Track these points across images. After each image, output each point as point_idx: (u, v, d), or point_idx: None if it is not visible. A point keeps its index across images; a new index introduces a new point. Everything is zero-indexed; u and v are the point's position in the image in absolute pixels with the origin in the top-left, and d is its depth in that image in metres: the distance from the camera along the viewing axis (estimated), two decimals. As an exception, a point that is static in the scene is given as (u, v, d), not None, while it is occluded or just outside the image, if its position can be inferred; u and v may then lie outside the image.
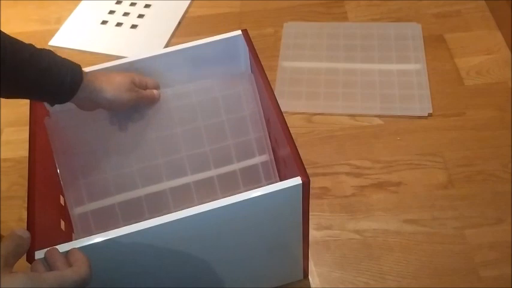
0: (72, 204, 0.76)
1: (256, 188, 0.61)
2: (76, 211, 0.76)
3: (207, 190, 0.81)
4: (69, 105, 0.70)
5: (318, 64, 1.19)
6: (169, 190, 0.80)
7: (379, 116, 1.08)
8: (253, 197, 0.59)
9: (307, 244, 0.74)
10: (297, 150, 0.64)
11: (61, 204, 0.74)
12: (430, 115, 1.07)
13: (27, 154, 0.69)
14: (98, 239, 0.57)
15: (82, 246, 0.57)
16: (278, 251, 0.74)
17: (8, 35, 0.62)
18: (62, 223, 0.71)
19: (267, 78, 0.74)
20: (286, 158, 0.72)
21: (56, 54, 0.66)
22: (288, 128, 0.67)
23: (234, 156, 0.81)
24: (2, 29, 0.61)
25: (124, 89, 0.71)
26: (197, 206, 0.58)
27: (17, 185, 1.07)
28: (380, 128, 1.07)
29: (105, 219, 0.78)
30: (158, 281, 0.70)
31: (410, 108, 1.08)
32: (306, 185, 0.60)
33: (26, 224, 0.61)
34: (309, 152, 1.04)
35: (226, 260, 0.72)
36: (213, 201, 0.59)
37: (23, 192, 1.04)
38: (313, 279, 0.87)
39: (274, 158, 0.82)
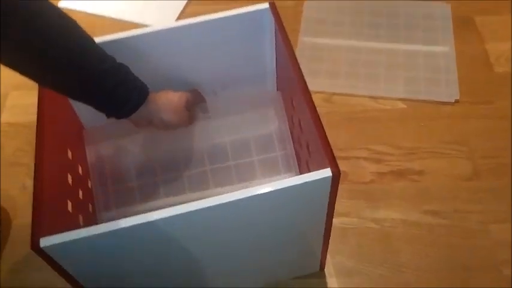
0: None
1: (274, 179, 0.57)
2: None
3: (223, 178, 0.79)
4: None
5: (340, 41, 1.13)
6: (187, 177, 0.77)
7: (402, 100, 1.03)
8: (277, 189, 0.55)
9: (328, 238, 0.70)
10: (327, 138, 0.59)
11: (69, 184, 0.70)
12: (456, 101, 1.02)
13: (35, 119, 0.65)
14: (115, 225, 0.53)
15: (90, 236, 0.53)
16: (296, 243, 0.71)
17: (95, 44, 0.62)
18: (69, 204, 0.67)
19: (295, 57, 0.68)
20: (311, 144, 0.68)
21: (130, 71, 0.66)
22: (317, 112, 0.62)
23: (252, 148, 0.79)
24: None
25: (179, 111, 0.73)
26: (218, 197, 0.54)
27: (21, 150, 1.03)
28: (403, 113, 1.02)
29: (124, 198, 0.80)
30: (166, 269, 0.67)
31: (436, 93, 1.03)
32: (335, 178, 0.56)
33: (30, 195, 0.57)
34: (327, 133, 0.99)
35: (239, 252, 0.68)
36: (231, 191, 0.55)
37: (27, 159, 1.00)
38: (328, 268, 0.84)
39: (294, 142, 0.79)
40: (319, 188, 0.57)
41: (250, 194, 0.54)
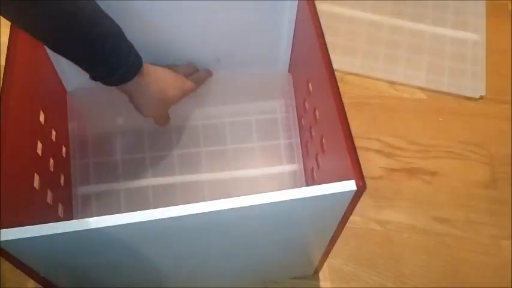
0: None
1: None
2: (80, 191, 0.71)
3: (218, 162, 0.69)
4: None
5: (360, 13, 1.01)
6: (178, 157, 0.68)
7: (422, 89, 0.93)
8: (287, 200, 0.45)
9: (332, 247, 0.61)
10: (353, 141, 0.49)
11: (37, 153, 0.59)
12: (481, 98, 0.92)
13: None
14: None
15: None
16: (296, 250, 0.62)
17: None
18: (36, 178, 0.56)
19: (321, 29, 0.57)
20: (327, 138, 0.58)
21: (125, 38, 0.57)
22: (342, 104, 0.52)
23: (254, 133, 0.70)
24: None
25: (165, 110, 0.69)
26: (220, 201, 0.44)
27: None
28: (422, 103, 0.92)
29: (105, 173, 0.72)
30: (152, 270, 0.57)
31: (460, 85, 0.93)
32: (359, 193, 0.46)
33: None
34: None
35: (231, 254, 0.59)
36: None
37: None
38: (322, 270, 0.76)
39: (301, 130, 0.69)
40: (336, 201, 0.48)
41: (254, 203, 0.44)
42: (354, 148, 0.48)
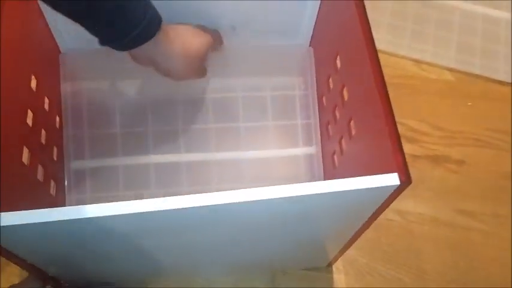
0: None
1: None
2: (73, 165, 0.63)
3: (228, 141, 0.62)
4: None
5: (386, -16, 0.93)
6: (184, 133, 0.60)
7: (450, 70, 0.86)
8: (316, 194, 0.38)
9: (353, 242, 0.55)
10: (397, 128, 0.42)
11: (27, 124, 0.52)
12: (514, 82, 0.85)
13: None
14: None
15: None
16: (312, 245, 0.55)
17: None
18: (25, 152, 0.49)
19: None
20: (357, 121, 0.51)
21: None
22: (385, 83, 0.45)
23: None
24: None
25: (192, 66, 0.58)
26: (240, 192, 0.37)
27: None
28: (449, 86, 0.85)
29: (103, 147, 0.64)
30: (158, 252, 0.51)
31: (492, 68, 0.85)
32: (402, 188, 0.39)
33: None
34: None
35: (237, 246, 0.52)
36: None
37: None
38: (336, 262, 0.70)
39: (322, 110, 0.63)
40: (372, 197, 0.41)
41: (275, 195, 0.38)
42: (398, 136, 0.41)
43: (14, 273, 0.64)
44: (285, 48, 0.69)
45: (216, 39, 0.63)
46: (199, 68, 0.60)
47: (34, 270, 0.50)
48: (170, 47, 0.53)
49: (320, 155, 0.68)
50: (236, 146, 0.65)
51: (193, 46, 0.57)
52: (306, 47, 0.70)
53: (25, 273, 0.62)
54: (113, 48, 0.50)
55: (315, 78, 0.69)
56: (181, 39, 0.55)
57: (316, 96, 0.68)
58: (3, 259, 0.44)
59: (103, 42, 0.49)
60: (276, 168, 0.67)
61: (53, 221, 0.36)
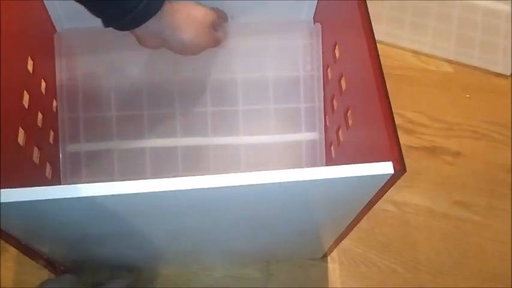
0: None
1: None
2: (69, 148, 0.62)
3: (227, 125, 0.61)
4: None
5: (387, -25, 0.93)
6: (181, 116, 0.60)
7: (449, 62, 0.86)
8: (311, 180, 0.38)
9: (348, 232, 0.55)
10: (393, 118, 0.42)
11: (23, 105, 0.51)
12: (512, 76, 0.85)
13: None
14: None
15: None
16: (307, 234, 0.55)
17: None
18: (21, 133, 0.49)
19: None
20: (354, 111, 0.51)
21: None
22: (383, 74, 0.45)
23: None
24: None
25: (203, 32, 0.56)
26: (240, 176, 0.37)
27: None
28: (448, 77, 0.85)
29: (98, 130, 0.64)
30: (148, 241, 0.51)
31: (491, 60, 0.85)
32: (396, 177, 0.39)
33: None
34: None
35: (231, 232, 0.52)
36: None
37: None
38: (331, 253, 0.70)
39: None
40: (367, 185, 0.41)
41: (272, 180, 0.38)
42: (394, 126, 0.41)
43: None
44: (289, 23, 0.66)
45: (220, 15, 0.62)
46: (210, 33, 0.58)
47: (31, 253, 0.51)
48: (177, 17, 0.52)
49: (323, 141, 0.66)
50: (235, 130, 0.64)
51: (200, 13, 0.55)
52: (311, 23, 0.66)
53: (22, 259, 0.61)
54: (117, 29, 0.49)
55: (321, 58, 0.65)
56: (186, 9, 0.53)
57: (322, 77, 0.65)
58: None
59: (107, 22, 0.48)
60: (276, 155, 0.66)
61: (49, 199, 0.36)
